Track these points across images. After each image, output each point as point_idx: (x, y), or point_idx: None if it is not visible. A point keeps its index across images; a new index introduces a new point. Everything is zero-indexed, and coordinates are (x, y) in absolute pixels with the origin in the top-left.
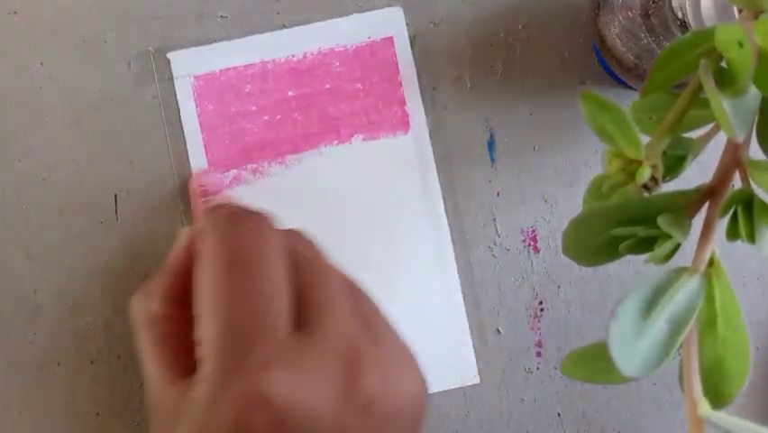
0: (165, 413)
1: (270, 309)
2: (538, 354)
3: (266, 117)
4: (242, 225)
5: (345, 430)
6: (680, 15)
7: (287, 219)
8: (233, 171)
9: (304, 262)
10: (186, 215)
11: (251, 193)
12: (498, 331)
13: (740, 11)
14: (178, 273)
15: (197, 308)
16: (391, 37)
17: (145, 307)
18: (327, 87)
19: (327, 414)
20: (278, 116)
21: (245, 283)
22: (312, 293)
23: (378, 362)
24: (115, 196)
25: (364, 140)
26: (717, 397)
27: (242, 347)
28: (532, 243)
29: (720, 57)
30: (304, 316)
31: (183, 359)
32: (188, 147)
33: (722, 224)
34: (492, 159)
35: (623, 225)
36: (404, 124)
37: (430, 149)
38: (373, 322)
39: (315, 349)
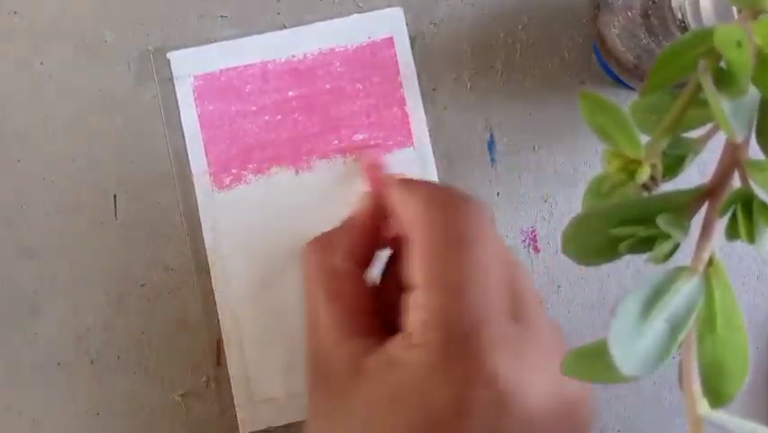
0: (339, 369)
1: (495, 297)
2: None
3: (266, 117)
4: (469, 205)
5: (553, 427)
6: (679, 16)
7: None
8: (234, 171)
9: (512, 262)
10: (185, 216)
11: (254, 195)
12: None
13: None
14: (361, 234)
15: (416, 276)
16: (391, 37)
17: (324, 259)
18: (327, 87)
19: (542, 407)
20: (279, 116)
21: (477, 264)
22: (522, 292)
23: None
24: (115, 196)
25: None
26: (717, 396)
27: (471, 325)
28: (532, 242)
29: (719, 57)
30: (517, 310)
31: (356, 318)
32: (188, 147)
33: (721, 224)
34: (492, 159)
35: (622, 225)
36: (405, 131)
37: (430, 150)
38: (558, 330)
39: (533, 341)
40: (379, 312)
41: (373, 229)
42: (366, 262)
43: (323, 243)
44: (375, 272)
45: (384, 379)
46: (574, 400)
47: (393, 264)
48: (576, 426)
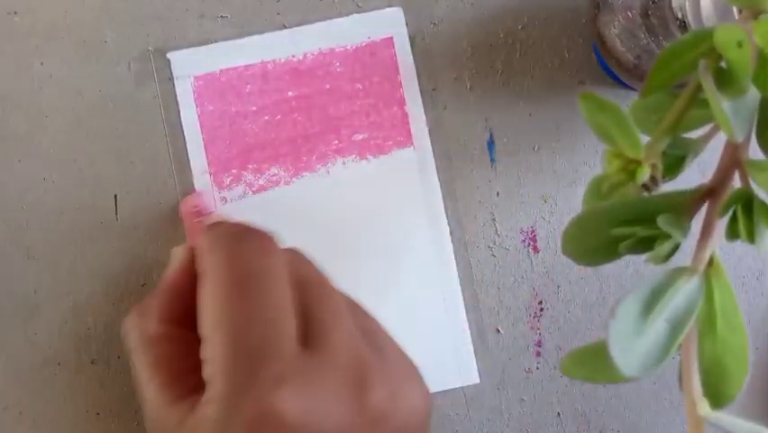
0: (169, 431)
1: (278, 328)
2: (538, 354)
3: (266, 117)
4: (246, 243)
5: None
6: (679, 16)
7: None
8: (234, 171)
9: (305, 280)
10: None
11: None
12: (498, 331)
13: (740, 11)
14: (175, 293)
15: (203, 328)
16: (391, 37)
17: (141, 327)
18: (327, 87)
19: (339, 430)
20: (279, 116)
21: (252, 302)
22: (315, 310)
23: (384, 376)
24: (115, 196)
25: (373, 155)
26: (717, 397)
27: (252, 366)
28: (531, 242)
29: (720, 57)
30: (309, 333)
31: (182, 380)
32: (188, 147)
33: (721, 224)
34: (492, 159)
35: (622, 225)
36: (405, 131)
37: (430, 149)
38: (375, 337)
39: (324, 365)
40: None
41: (189, 285)
42: (190, 319)
43: (140, 310)
44: None
45: None
46: (384, 408)
47: None
48: (398, 429)
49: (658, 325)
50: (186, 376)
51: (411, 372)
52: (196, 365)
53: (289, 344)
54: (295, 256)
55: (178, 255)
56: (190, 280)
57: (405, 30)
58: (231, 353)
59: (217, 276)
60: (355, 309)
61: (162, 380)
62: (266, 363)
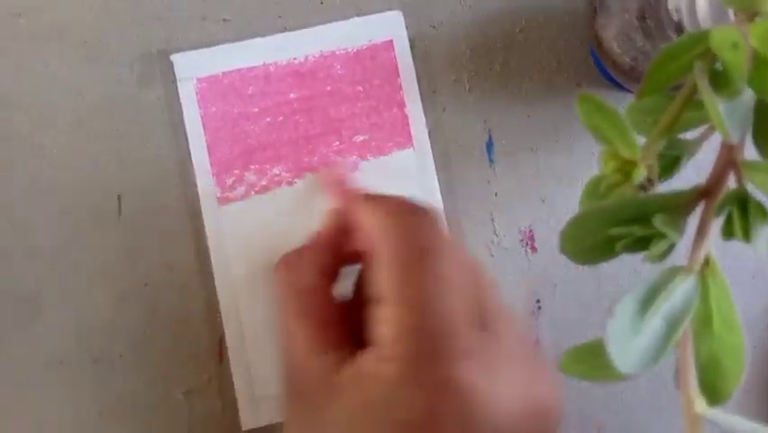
0: (312, 383)
1: (463, 305)
2: None
3: (268, 119)
4: (426, 217)
5: (522, 432)
6: (675, 18)
7: (287, 227)
8: (236, 172)
9: (475, 266)
10: (188, 216)
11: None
12: None
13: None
14: (327, 249)
15: (382, 289)
16: (391, 40)
17: (294, 278)
18: (328, 89)
19: (512, 414)
20: (280, 118)
21: (443, 276)
22: (486, 297)
23: (546, 372)
24: (119, 196)
25: (374, 156)
26: (713, 395)
27: (440, 336)
28: (529, 242)
29: (715, 59)
30: (482, 317)
31: (329, 332)
32: (191, 148)
33: (717, 223)
34: (490, 160)
35: (619, 225)
36: (405, 132)
37: (430, 151)
38: (526, 336)
39: (501, 349)
40: (350, 326)
41: (339, 245)
42: (333, 276)
43: (291, 260)
44: (347, 287)
45: (356, 393)
46: (543, 405)
47: (360, 276)
48: (545, 429)
49: (655, 323)
50: (332, 328)
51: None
52: (337, 320)
53: (472, 323)
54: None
55: (331, 215)
56: (340, 240)
57: (405, 33)
58: (421, 321)
59: (404, 244)
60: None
61: (312, 329)
62: (454, 336)
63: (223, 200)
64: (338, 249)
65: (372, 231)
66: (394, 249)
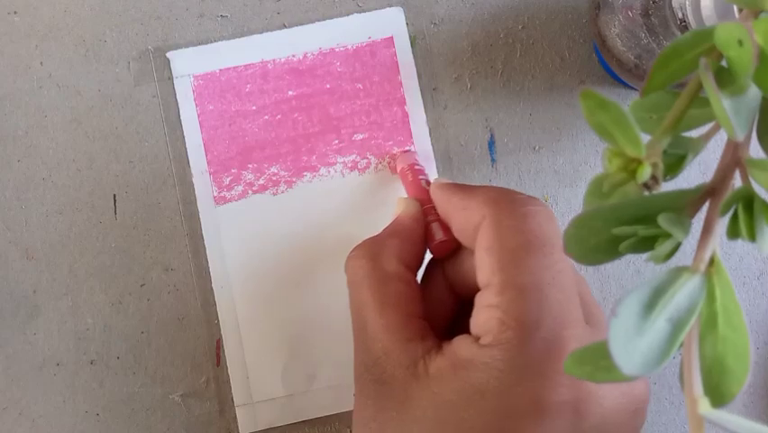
0: (397, 374)
1: (572, 298)
2: None
3: (266, 117)
4: (534, 207)
5: (624, 426)
6: (680, 15)
7: (286, 226)
8: (234, 171)
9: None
10: (185, 216)
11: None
12: None
13: (740, 10)
14: (409, 238)
15: (487, 275)
16: (391, 37)
17: (375, 264)
18: (327, 86)
19: (615, 408)
20: (279, 116)
21: (552, 267)
22: (584, 291)
23: None
24: (115, 196)
25: (373, 155)
26: (718, 396)
27: (550, 326)
28: None
29: (720, 56)
30: (585, 312)
31: (411, 322)
32: (188, 147)
33: (722, 223)
34: (492, 159)
35: (623, 225)
36: (406, 130)
37: (431, 149)
38: None
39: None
40: (427, 316)
41: (422, 233)
42: (416, 266)
43: (371, 248)
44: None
45: (453, 381)
46: (640, 398)
47: (438, 268)
48: (641, 423)
49: (659, 324)
50: (414, 319)
51: None
52: (419, 312)
53: (581, 316)
54: None
55: (410, 204)
56: (422, 228)
57: (405, 29)
58: (530, 307)
59: (513, 233)
60: None
61: (395, 319)
62: (565, 327)
63: (219, 200)
64: (420, 238)
65: (472, 221)
66: (502, 236)
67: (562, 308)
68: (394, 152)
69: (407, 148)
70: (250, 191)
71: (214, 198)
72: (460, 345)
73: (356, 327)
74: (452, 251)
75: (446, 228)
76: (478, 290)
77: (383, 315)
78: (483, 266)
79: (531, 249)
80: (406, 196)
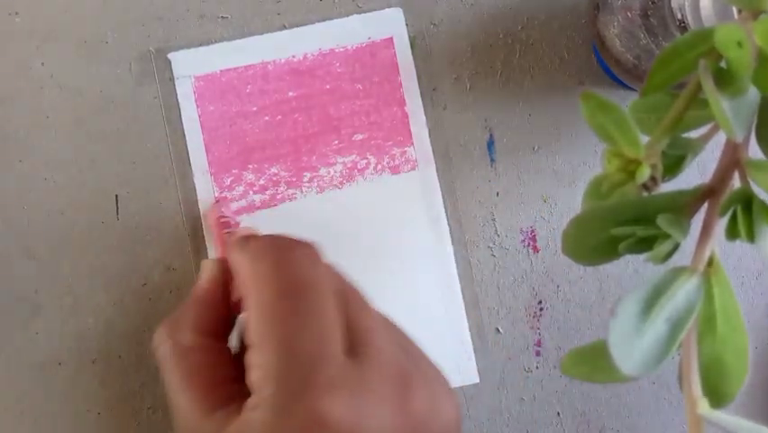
0: None
1: (328, 337)
2: (537, 354)
3: (266, 118)
4: (293, 252)
5: None
6: (679, 16)
7: (286, 227)
8: (234, 171)
9: (344, 292)
10: (186, 216)
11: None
12: (498, 330)
13: (739, 11)
14: (207, 304)
15: (251, 335)
16: (391, 38)
17: (174, 339)
18: (327, 87)
19: None
20: (279, 117)
21: (302, 311)
22: (356, 321)
23: (424, 386)
24: (116, 196)
25: (373, 155)
26: (717, 396)
27: (303, 373)
28: (531, 242)
29: (719, 57)
30: (352, 343)
31: (216, 391)
32: (189, 147)
33: (721, 224)
34: (492, 159)
35: (622, 225)
36: (405, 131)
37: (430, 150)
38: (410, 349)
39: (369, 375)
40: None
41: (220, 297)
42: (222, 330)
43: (170, 322)
44: (235, 339)
45: None
46: (423, 418)
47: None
48: None
49: (658, 324)
50: (220, 387)
51: (445, 383)
52: (228, 377)
53: (338, 352)
54: (331, 268)
55: (208, 267)
56: (221, 291)
57: (405, 30)
58: (283, 359)
59: (266, 285)
60: (387, 323)
61: (197, 391)
62: (317, 370)
63: (221, 200)
64: (220, 301)
65: (241, 277)
66: (258, 292)
67: (313, 353)
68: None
69: (217, 197)
70: (250, 192)
71: (216, 198)
72: (245, 407)
73: (170, 403)
74: None
75: None
76: None
77: (186, 389)
78: (248, 324)
79: (281, 299)
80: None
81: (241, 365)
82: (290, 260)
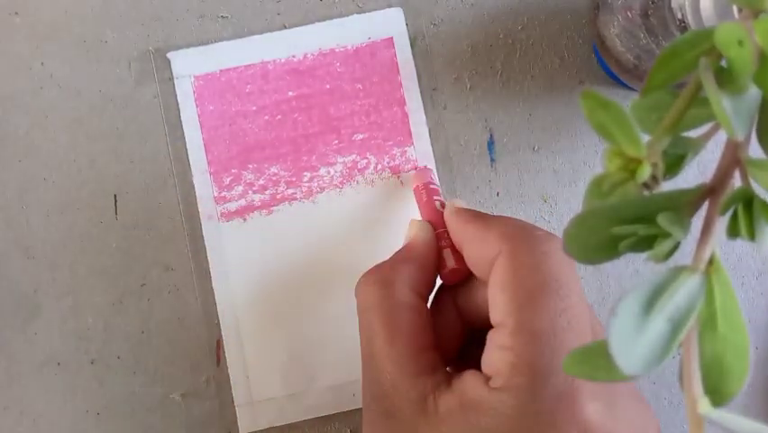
0: (405, 408)
1: (580, 337)
2: None
3: (266, 117)
4: (552, 243)
5: None
6: (679, 16)
7: (285, 227)
8: (234, 171)
9: (584, 296)
10: (185, 216)
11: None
12: None
13: (740, 10)
14: (421, 266)
15: (500, 314)
16: (391, 38)
17: (387, 293)
18: (327, 87)
19: None
20: (279, 116)
21: (565, 309)
22: (598, 330)
23: (650, 407)
24: (115, 196)
25: (373, 155)
26: (718, 395)
27: (563, 374)
28: None
29: (720, 56)
30: None
31: (423, 355)
32: (188, 147)
33: (722, 222)
34: (492, 159)
35: (623, 224)
36: (405, 131)
37: (430, 150)
38: None
39: (620, 389)
40: (437, 345)
41: (434, 260)
42: (427, 294)
43: (382, 274)
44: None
45: (461, 422)
46: None
47: (449, 295)
48: None
49: (658, 323)
50: (426, 351)
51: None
52: (431, 343)
53: None
54: None
55: (423, 229)
56: (434, 254)
57: (405, 30)
58: (544, 352)
59: (530, 272)
60: None
61: (406, 351)
62: None
63: (220, 200)
64: (433, 265)
65: (486, 253)
66: (517, 275)
67: (567, 351)
68: (407, 168)
69: (425, 165)
70: (250, 191)
71: (215, 198)
72: (469, 383)
73: (365, 354)
74: (463, 279)
75: (459, 256)
76: (488, 321)
77: (393, 346)
78: (497, 304)
79: (547, 291)
80: (418, 217)
81: (436, 333)
82: (552, 252)
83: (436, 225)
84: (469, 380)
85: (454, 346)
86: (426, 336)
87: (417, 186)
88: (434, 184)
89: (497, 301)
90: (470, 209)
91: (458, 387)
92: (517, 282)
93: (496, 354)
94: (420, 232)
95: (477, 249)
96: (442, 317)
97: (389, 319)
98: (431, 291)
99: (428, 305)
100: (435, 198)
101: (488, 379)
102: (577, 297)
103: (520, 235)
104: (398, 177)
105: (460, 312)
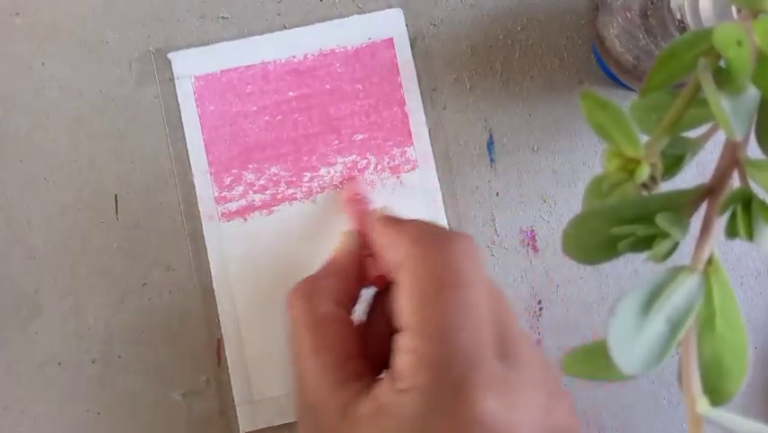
0: (330, 419)
1: (485, 336)
2: None
3: (266, 118)
4: (458, 243)
5: None
6: (678, 16)
7: (284, 227)
8: (234, 171)
9: (495, 293)
10: (186, 215)
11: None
12: None
13: (739, 11)
14: (344, 276)
15: (406, 318)
16: (391, 38)
17: (310, 306)
18: (328, 87)
19: None
20: (279, 117)
21: (465, 305)
22: (506, 325)
23: (564, 399)
24: (116, 196)
25: (373, 155)
26: (717, 395)
27: (461, 368)
28: (531, 242)
29: (719, 56)
30: (501, 346)
31: (347, 364)
32: (189, 147)
33: (721, 223)
34: (491, 159)
35: (622, 224)
36: (405, 131)
37: (430, 150)
38: (547, 361)
39: (521, 381)
40: (367, 352)
41: (358, 270)
42: (351, 303)
43: (307, 288)
44: (360, 312)
45: (374, 425)
46: (561, 430)
47: (379, 302)
48: None
49: (657, 323)
50: (350, 360)
51: (572, 403)
52: (356, 351)
53: (492, 354)
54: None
55: (348, 239)
56: (359, 266)
57: (405, 31)
58: (442, 350)
59: (429, 272)
60: (527, 333)
61: (330, 361)
62: (475, 368)
63: (221, 200)
64: (357, 275)
65: (396, 259)
66: (418, 279)
67: (472, 350)
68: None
69: (353, 176)
70: (250, 191)
71: (215, 198)
72: (381, 388)
73: (294, 368)
74: (389, 285)
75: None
76: None
77: (318, 357)
78: (400, 307)
79: (444, 290)
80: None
81: (366, 338)
82: (455, 251)
83: (365, 233)
84: (382, 384)
85: (386, 351)
86: (351, 346)
87: (346, 198)
88: (361, 195)
89: (400, 305)
90: (391, 216)
91: (374, 392)
92: (415, 285)
93: (399, 356)
94: (343, 243)
95: (388, 255)
96: (373, 323)
97: (313, 331)
98: (354, 301)
99: (355, 314)
100: (362, 207)
101: (395, 382)
102: (475, 293)
103: (422, 238)
104: (398, 177)
105: (388, 319)
